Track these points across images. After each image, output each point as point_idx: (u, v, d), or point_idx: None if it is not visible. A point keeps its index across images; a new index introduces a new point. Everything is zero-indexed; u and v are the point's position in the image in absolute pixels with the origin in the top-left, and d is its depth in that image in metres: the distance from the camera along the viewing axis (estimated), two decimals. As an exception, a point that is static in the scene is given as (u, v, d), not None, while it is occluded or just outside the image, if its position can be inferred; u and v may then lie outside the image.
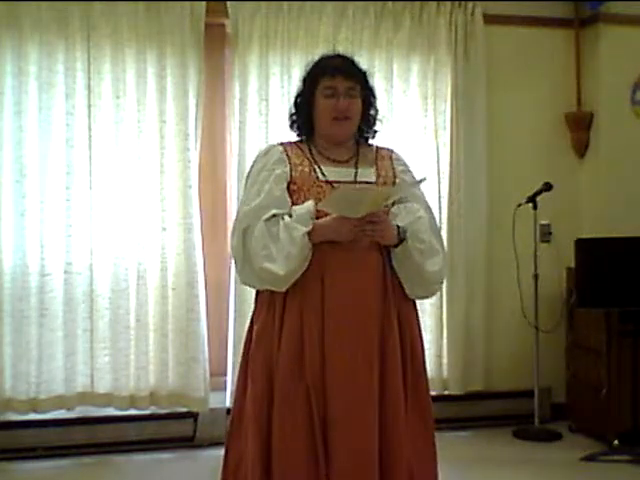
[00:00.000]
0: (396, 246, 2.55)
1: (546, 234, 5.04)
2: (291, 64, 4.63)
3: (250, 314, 2.69)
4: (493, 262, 4.97)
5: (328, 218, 2.49)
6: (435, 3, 4.84)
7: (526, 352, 4.86)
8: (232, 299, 4.53)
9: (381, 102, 2.83)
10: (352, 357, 2.46)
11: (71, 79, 4.39)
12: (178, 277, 4.50)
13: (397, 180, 2.67)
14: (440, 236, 2.73)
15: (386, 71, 4.76)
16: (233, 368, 4.37)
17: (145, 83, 4.48)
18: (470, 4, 4.89)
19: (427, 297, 2.79)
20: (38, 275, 4.34)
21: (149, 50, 4.48)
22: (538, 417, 4.74)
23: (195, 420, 4.56)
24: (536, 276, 4.77)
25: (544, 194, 4.74)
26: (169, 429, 4.55)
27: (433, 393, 2.83)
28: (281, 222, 2.49)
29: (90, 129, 4.41)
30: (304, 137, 2.70)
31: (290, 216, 2.50)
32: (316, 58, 2.72)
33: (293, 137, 2.74)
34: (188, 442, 4.56)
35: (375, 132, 2.75)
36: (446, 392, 4.87)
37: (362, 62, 2.76)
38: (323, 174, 2.59)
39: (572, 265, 4.57)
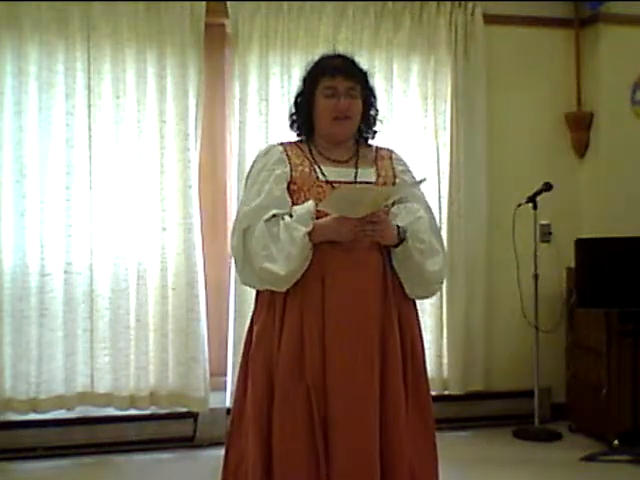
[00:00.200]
0: (396, 246, 2.55)
1: (546, 234, 5.04)
2: (291, 64, 4.63)
3: (250, 314, 2.69)
4: (493, 262, 4.97)
5: (328, 218, 2.49)
6: (435, 3, 4.84)
7: (526, 352, 4.86)
8: (232, 299, 4.53)
9: (381, 102, 2.83)
10: (352, 357, 2.46)
11: (71, 79, 4.39)
12: (178, 277, 4.50)
13: (397, 180, 2.67)
14: (440, 236, 2.73)
15: (386, 71, 4.76)
16: (233, 368, 4.37)
17: (145, 83, 4.48)
18: (470, 4, 4.89)
19: (427, 297, 2.79)
20: (38, 275, 4.34)
21: (149, 50, 4.48)
22: (538, 417, 4.74)
23: (195, 420, 4.56)
24: (536, 276, 4.77)
25: (544, 194, 4.74)
26: (169, 429, 4.55)
27: (433, 393, 2.82)
28: (281, 222, 2.49)
29: (90, 129, 4.41)
30: (304, 137, 2.70)
31: (290, 216, 2.50)
32: (316, 58, 2.71)
33: (293, 137, 2.74)
34: (188, 442, 4.56)
35: (375, 132, 2.74)
36: (446, 392, 4.87)
37: (362, 62, 2.76)
38: (323, 174, 2.59)
39: (572, 265, 4.57)
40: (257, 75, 4.62)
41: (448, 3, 4.85)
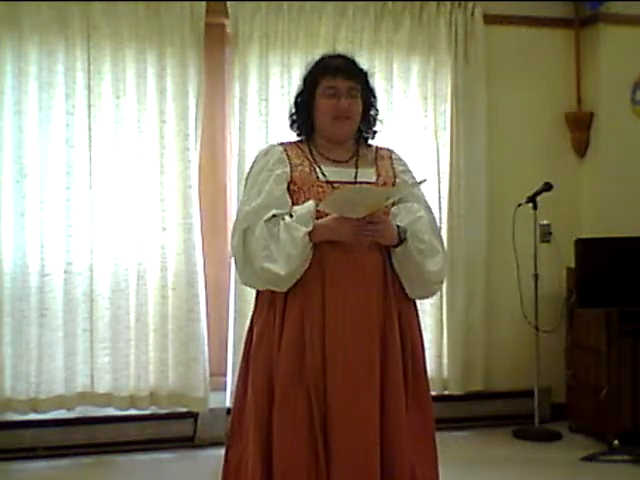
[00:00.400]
0: (396, 246, 2.54)
1: (546, 234, 5.03)
2: (291, 64, 4.62)
3: (250, 314, 2.69)
4: (493, 262, 4.97)
5: (329, 218, 2.49)
6: (435, 3, 4.84)
7: (526, 352, 4.86)
8: (232, 299, 4.53)
9: (381, 102, 2.83)
10: (353, 357, 2.46)
11: (71, 79, 4.39)
12: (178, 277, 4.50)
13: (397, 180, 2.67)
14: (440, 236, 2.73)
15: (386, 71, 4.76)
16: (233, 368, 4.37)
17: (145, 83, 4.48)
18: (470, 4, 4.89)
19: (427, 297, 2.80)
20: (38, 275, 4.34)
21: (149, 50, 4.48)
22: (538, 417, 4.74)
23: (195, 420, 4.56)
24: (536, 276, 4.77)
25: (544, 194, 4.75)
26: (169, 429, 4.56)
27: (433, 393, 2.83)
28: (282, 222, 2.49)
29: (90, 129, 4.41)
30: (304, 137, 2.70)
31: (291, 216, 2.50)
32: (316, 58, 2.71)
33: (293, 137, 2.74)
34: (188, 442, 4.56)
35: (375, 133, 2.74)
36: (446, 392, 4.87)
37: (362, 62, 2.76)
38: (323, 174, 2.59)
39: (572, 265, 4.58)
40: (257, 75, 4.62)
41: (448, 3, 4.85)
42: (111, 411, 4.46)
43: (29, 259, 4.34)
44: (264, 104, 4.61)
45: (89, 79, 4.41)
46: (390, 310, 2.53)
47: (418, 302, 2.70)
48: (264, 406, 2.49)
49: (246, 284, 2.63)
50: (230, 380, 4.45)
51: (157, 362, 4.49)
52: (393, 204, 2.61)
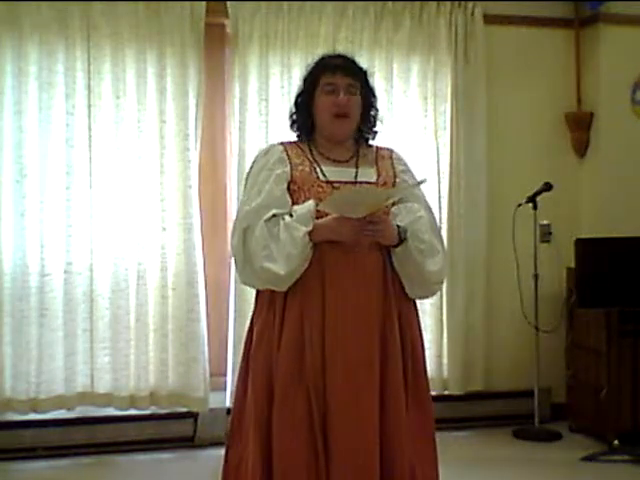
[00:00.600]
0: (397, 246, 2.54)
1: (546, 234, 5.03)
2: (291, 64, 4.62)
3: (250, 314, 2.68)
4: (493, 262, 4.97)
5: (329, 218, 2.49)
6: (435, 3, 4.84)
7: (526, 352, 4.86)
8: (232, 299, 4.53)
9: (381, 102, 2.84)
10: (352, 357, 2.46)
11: (71, 79, 4.39)
12: (178, 277, 4.50)
13: (397, 180, 2.67)
14: (440, 236, 2.73)
15: (386, 71, 4.76)
16: (233, 368, 4.37)
17: (145, 83, 4.48)
18: (470, 4, 4.89)
19: (427, 297, 2.80)
20: (38, 275, 4.34)
21: (149, 50, 4.48)
22: (538, 417, 4.74)
23: (195, 420, 4.56)
24: (536, 276, 4.78)
25: (544, 194, 4.75)
26: (169, 429, 4.56)
27: (433, 393, 2.82)
28: (281, 222, 2.49)
29: (90, 129, 4.41)
30: (304, 137, 2.70)
31: (291, 216, 2.50)
32: (316, 58, 2.72)
33: (293, 137, 2.74)
34: (188, 442, 4.56)
35: (375, 133, 2.74)
36: (446, 392, 4.87)
37: (362, 62, 2.77)
38: (323, 174, 2.58)
39: (572, 265, 4.58)
40: (257, 75, 4.62)
41: (448, 3, 4.85)
42: (111, 411, 4.46)
43: (29, 259, 4.34)
44: (264, 104, 4.61)
45: (89, 79, 4.41)
46: (390, 310, 2.53)
47: (418, 302, 2.70)
48: (264, 406, 2.49)
49: (246, 284, 2.63)
50: (230, 380, 4.45)
51: (157, 362, 4.49)
52: (393, 204, 2.61)
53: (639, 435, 4.49)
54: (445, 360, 4.88)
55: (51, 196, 4.37)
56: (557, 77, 5.14)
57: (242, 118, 4.59)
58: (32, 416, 4.36)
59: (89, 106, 4.41)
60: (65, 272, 4.37)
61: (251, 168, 2.68)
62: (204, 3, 4.55)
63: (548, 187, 4.75)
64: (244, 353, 2.65)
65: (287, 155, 2.62)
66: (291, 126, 2.72)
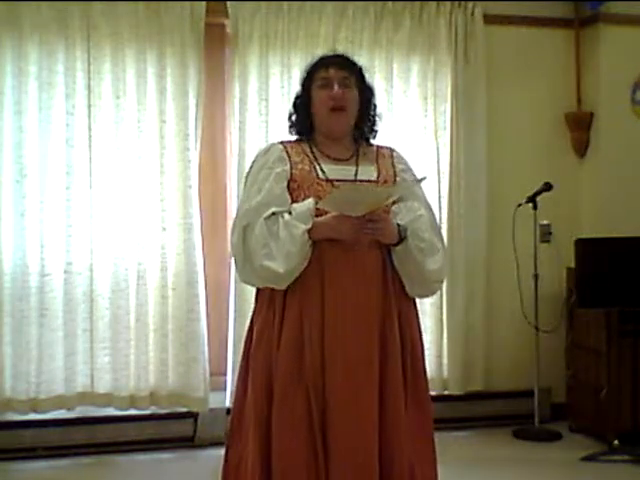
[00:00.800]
0: (397, 244, 2.55)
1: (546, 234, 5.03)
2: (291, 64, 4.62)
3: (250, 314, 2.69)
4: (493, 262, 4.97)
5: (328, 216, 2.49)
6: (435, 3, 4.84)
7: (526, 352, 4.86)
8: (232, 299, 4.53)
9: (381, 102, 2.85)
10: (352, 356, 2.46)
11: (71, 79, 4.39)
12: (178, 277, 4.50)
13: (397, 179, 2.67)
14: (440, 234, 2.73)
15: (386, 71, 4.76)
16: (233, 368, 4.37)
17: (145, 83, 4.48)
18: (470, 4, 4.89)
19: (427, 296, 2.80)
20: (38, 275, 4.34)
21: (149, 50, 4.48)
22: (538, 417, 4.74)
23: (195, 420, 4.56)
24: (536, 276, 4.77)
25: (544, 194, 4.75)
26: (169, 429, 4.55)
27: (433, 393, 2.83)
28: (281, 220, 2.49)
29: (90, 129, 4.41)
30: (304, 137, 2.70)
31: (290, 214, 2.50)
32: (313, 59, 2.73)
33: (294, 137, 2.74)
34: (188, 442, 4.56)
35: (375, 131, 2.75)
36: (446, 392, 4.87)
37: (362, 62, 2.77)
38: (323, 172, 2.59)
39: (572, 265, 4.57)
40: (257, 75, 4.62)
41: (448, 3, 4.85)
42: (111, 411, 4.46)
43: (29, 259, 4.34)
44: (264, 104, 4.61)
45: (89, 79, 4.41)
46: (390, 309, 2.53)
47: (418, 302, 2.70)
48: (263, 405, 2.49)
49: (246, 282, 2.63)
50: (230, 380, 4.45)
51: (157, 362, 4.49)
52: (393, 203, 2.61)
53: (639, 435, 4.49)
54: (445, 360, 4.87)
55: (51, 196, 4.37)
56: (557, 77, 5.14)
57: (242, 118, 4.59)
58: (32, 416, 4.36)
59: (89, 106, 4.41)
60: (65, 272, 4.37)
61: (251, 167, 2.68)
62: (204, 3, 4.55)
63: (548, 187, 4.75)
64: (244, 352, 2.65)
65: (287, 154, 2.62)
66: (290, 128, 2.73)
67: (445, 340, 4.87)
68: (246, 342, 2.64)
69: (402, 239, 2.53)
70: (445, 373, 4.88)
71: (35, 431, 4.39)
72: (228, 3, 4.61)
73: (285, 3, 4.64)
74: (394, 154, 2.75)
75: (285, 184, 2.56)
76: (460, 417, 4.90)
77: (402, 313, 2.58)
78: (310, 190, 2.55)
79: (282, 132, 2.82)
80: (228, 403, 4.44)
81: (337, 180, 2.56)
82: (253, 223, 2.51)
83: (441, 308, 4.84)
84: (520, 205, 4.76)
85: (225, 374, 4.56)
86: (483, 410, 4.97)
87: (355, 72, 2.67)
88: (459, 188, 4.86)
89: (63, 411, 4.40)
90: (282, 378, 2.47)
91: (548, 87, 5.12)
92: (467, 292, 4.88)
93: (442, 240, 2.71)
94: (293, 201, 2.54)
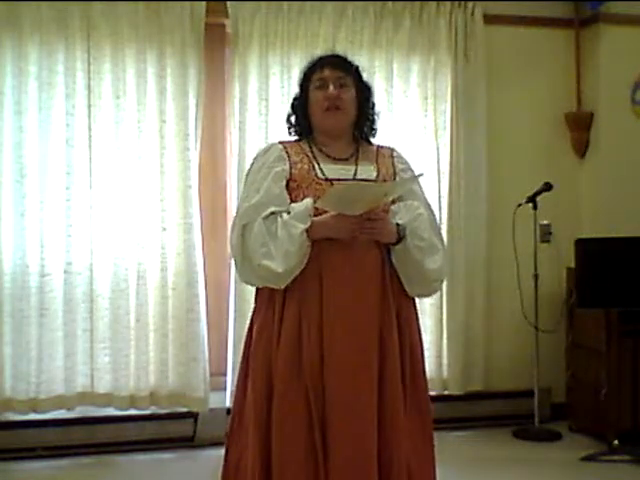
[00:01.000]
0: (396, 244, 2.54)
1: (546, 234, 5.03)
2: (291, 64, 4.62)
3: (250, 314, 2.69)
4: (493, 262, 4.97)
5: (327, 215, 2.49)
6: (435, 3, 4.84)
7: (526, 352, 4.86)
8: (232, 299, 4.53)
9: (381, 102, 2.85)
10: (351, 356, 2.45)
11: (71, 79, 4.39)
12: (178, 277, 4.50)
13: (397, 178, 2.67)
14: (440, 234, 2.73)
15: (386, 71, 4.76)
16: (233, 368, 4.37)
17: (145, 83, 4.48)
18: (470, 4, 4.89)
19: (427, 295, 2.79)
20: (38, 275, 4.34)
21: (149, 50, 4.49)
22: (538, 417, 4.74)
23: (195, 420, 4.56)
24: (536, 276, 4.77)
25: (544, 194, 4.75)
26: (169, 429, 4.55)
27: (433, 393, 2.83)
28: (279, 220, 2.49)
29: (90, 129, 4.42)
30: (303, 137, 2.70)
31: (289, 213, 2.50)
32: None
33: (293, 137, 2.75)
34: (188, 442, 4.55)
35: (375, 130, 2.75)
36: (446, 392, 4.87)
37: (362, 62, 2.79)
38: (322, 172, 2.59)
39: (572, 265, 4.57)
40: (257, 75, 4.62)
41: (448, 3, 4.85)
42: (111, 411, 4.46)
43: (29, 259, 4.34)
44: (264, 104, 4.61)
45: (89, 79, 4.41)
46: (389, 308, 2.53)
47: (418, 302, 2.70)
48: (263, 405, 2.49)
49: (245, 281, 2.64)
50: (230, 380, 4.45)
51: (157, 362, 4.49)
52: (393, 202, 2.61)
53: (639, 435, 4.49)
54: (445, 360, 4.87)
55: (51, 196, 4.37)
56: (557, 77, 5.14)
57: (242, 118, 4.59)
58: (32, 416, 4.36)
59: (89, 106, 4.41)
60: (65, 272, 4.37)
61: (251, 166, 2.68)
62: (204, 3, 4.55)
63: (548, 187, 4.75)
64: (244, 352, 2.65)
65: (286, 153, 2.62)
66: (289, 130, 2.73)
67: (445, 340, 4.87)
68: (246, 342, 2.64)
69: (401, 238, 2.53)
70: (445, 373, 4.88)
71: (35, 431, 4.39)
72: (228, 3, 4.62)
73: (285, 3, 4.64)
74: (394, 154, 2.75)
75: (284, 183, 2.57)
76: (460, 417, 4.90)
77: (401, 312, 2.58)
78: (309, 190, 2.55)
79: (282, 132, 2.82)
80: (228, 403, 4.44)
81: (336, 179, 2.56)
82: (252, 222, 2.51)
83: (441, 308, 4.84)
84: (520, 205, 4.76)
85: (225, 374, 4.56)
86: (483, 410, 4.97)
87: (351, 72, 2.67)
88: (459, 188, 4.86)
89: (63, 411, 4.41)
90: (281, 376, 2.47)
91: (548, 87, 5.12)
92: (467, 292, 4.88)
93: (442, 239, 2.71)
94: (292, 200, 2.55)
